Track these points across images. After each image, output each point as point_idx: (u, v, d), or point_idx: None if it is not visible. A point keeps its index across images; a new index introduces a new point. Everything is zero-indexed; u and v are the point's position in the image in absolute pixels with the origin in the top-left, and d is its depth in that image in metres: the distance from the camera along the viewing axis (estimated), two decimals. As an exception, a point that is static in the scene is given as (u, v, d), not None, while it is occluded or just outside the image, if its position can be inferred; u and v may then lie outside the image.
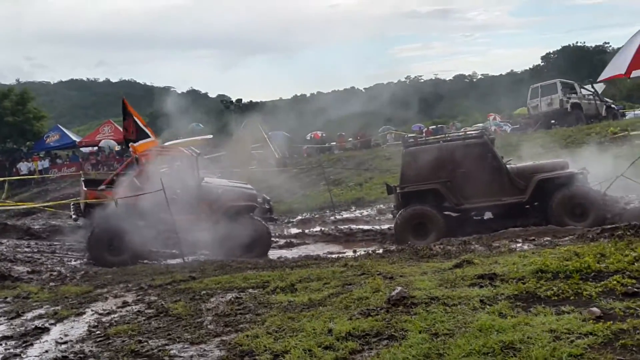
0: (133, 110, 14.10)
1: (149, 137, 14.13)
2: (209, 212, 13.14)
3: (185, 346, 6.31)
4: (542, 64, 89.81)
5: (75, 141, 41.24)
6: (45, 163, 38.14)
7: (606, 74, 5.69)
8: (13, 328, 7.78)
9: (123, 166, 14.12)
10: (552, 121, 31.51)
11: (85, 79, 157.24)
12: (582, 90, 34.03)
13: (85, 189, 13.61)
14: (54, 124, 45.20)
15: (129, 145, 14.06)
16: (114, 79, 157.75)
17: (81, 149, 41.23)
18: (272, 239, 14.24)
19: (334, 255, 11.72)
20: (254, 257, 12.27)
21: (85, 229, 14.03)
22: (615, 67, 5.33)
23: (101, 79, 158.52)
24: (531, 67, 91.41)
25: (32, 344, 7.00)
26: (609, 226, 10.69)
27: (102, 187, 13.75)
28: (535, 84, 36.27)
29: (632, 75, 5.20)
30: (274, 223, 14.04)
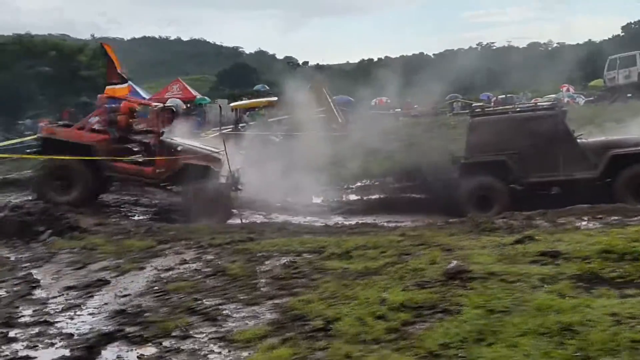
0: (114, 56, 14.40)
1: (125, 82, 14.74)
2: (166, 168, 13.11)
3: (239, 307, 6.40)
4: (622, 34, 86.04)
5: (144, 98, 42.01)
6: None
7: None
8: (77, 279, 8.09)
9: (93, 113, 14.20)
10: (629, 94, 30.38)
11: (157, 36, 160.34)
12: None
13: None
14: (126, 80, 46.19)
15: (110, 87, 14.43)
16: (184, 38, 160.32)
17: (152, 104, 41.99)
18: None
19: (392, 224, 11.63)
20: (214, 222, 12.09)
21: None
22: None
23: (172, 37, 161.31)
24: (610, 37, 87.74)
25: (93, 296, 7.25)
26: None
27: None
28: (613, 55, 35.00)
29: None
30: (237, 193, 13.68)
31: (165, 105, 16.99)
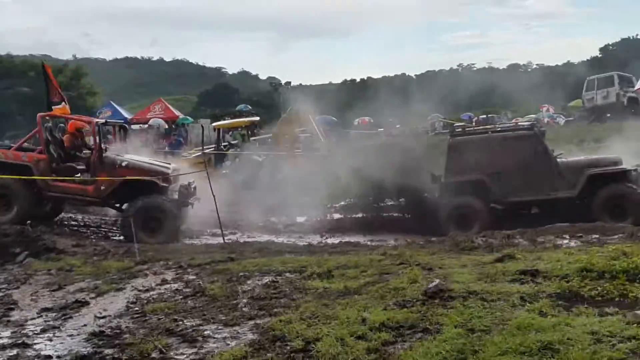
0: (52, 75, 14.49)
1: (63, 102, 14.52)
2: (107, 185, 12.86)
3: (219, 327, 6.35)
4: (600, 55, 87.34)
5: (127, 118, 41.91)
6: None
7: None
8: (54, 300, 7.97)
9: (31, 133, 14.13)
10: (607, 115, 30.81)
11: (139, 57, 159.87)
12: (640, 83, 33.21)
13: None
14: (107, 100, 46.05)
15: (52, 107, 14.29)
16: (167, 58, 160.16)
17: (132, 126, 41.92)
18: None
19: (373, 243, 11.65)
20: (162, 242, 12.01)
21: None
22: None
23: (155, 58, 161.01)
24: (588, 58, 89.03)
25: (71, 317, 7.15)
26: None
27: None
28: (591, 76, 35.51)
29: None
30: (189, 206, 13.50)
31: (108, 121, 16.85)
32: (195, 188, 13.99)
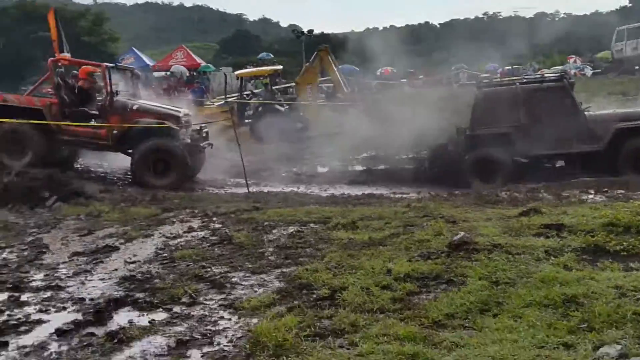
0: (56, 23, 14.38)
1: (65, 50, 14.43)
2: (119, 128, 12.93)
3: (247, 275, 6.47)
4: (630, 5, 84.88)
5: (149, 65, 41.84)
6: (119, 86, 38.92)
7: None
8: (84, 245, 8.15)
9: (43, 78, 14.09)
10: (637, 67, 30.21)
11: (160, 2, 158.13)
12: (672, 35, 32.45)
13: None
14: (129, 46, 45.85)
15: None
16: (187, 4, 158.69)
17: (154, 73, 41.86)
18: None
19: (397, 195, 11.67)
20: (169, 185, 12.13)
21: None
22: None
23: (175, 3, 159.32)
24: (618, 7, 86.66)
25: (102, 261, 7.32)
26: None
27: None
28: (621, 26, 34.70)
29: None
30: (201, 151, 13.55)
31: (118, 65, 16.79)
32: (207, 133, 14.03)
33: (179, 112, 13.63)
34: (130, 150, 13.10)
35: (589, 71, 37.29)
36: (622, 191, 10.00)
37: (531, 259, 6.10)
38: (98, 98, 13.99)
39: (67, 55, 14.49)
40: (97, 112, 13.41)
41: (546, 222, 7.37)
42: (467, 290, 5.40)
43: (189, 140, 13.15)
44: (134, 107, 13.23)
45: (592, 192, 10.18)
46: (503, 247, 6.49)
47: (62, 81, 13.74)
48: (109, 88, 13.21)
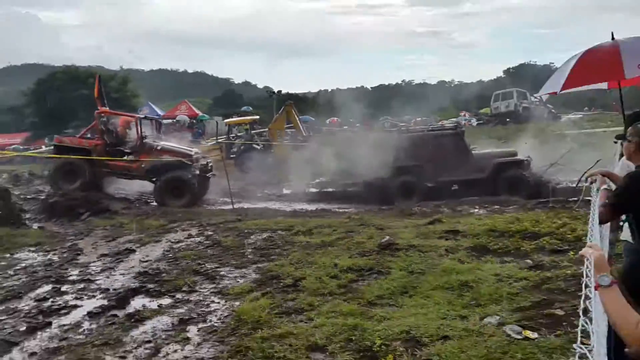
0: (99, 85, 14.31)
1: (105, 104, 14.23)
2: (147, 163, 12.78)
3: (232, 269, 6.40)
4: (504, 76, 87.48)
5: (160, 115, 41.21)
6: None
7: (544, 90, 5.52)
8: (109, 248, 7.95)
9: (91, 125, 13.88)
10: (507, 119, 31.06)
11: (169, 68, 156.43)
12: (531, 97, 33.47)
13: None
14: (146, 101, 45.16)
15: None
16: (190, 70, 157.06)
17: (164, 121, 41.21)
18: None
19: (341, 210, 11.69)
20: (184, 205, 11.94)
21: None
22: (551, 86, 5.18)
23: (181, 70, 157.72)
24: (495, 77, 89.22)
25: (122, 261, 7.15)
26: (543, 200, 10.59)
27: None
28: (497, 90, 35.72)
29: (560, 93, 5.09)
30: (209, 178, 13.52)
31: (147, 116, 16.64)
32: (212, 166, 13.91)
33: (192, 151, 13.57)
34: (154, 179, 12.93)
35: (474, 122, 38.08)
36: (498, 206, 10.20)
37: (436, 255, 6.19)
38: (130, 140, 13.79)
39: (107, 108, 14.28)
40: (129, 151, 13.22)
41: (446, 229, 7.48)
42: (392, 278, 5.44)
43: (198, 172, 13.00)
44: (158, 147, 13.12)
45: (478, 207, 10.35)
46: (416, 246, 6.57)
47: (105, 127, 13.55)
48: (139, 133, 13.09)
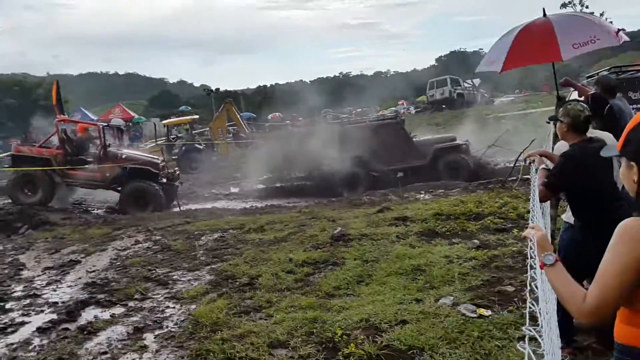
0: (56, 94, 13.89)
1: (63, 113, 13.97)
2: (111, 172, 12.37)
3: (184, 273, 6.26)
4: (436, 64, 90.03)
5: (93, 119, 39.59)
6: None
7: (483, 66, 5.59)
8: (53, 261, 7.55)
9: (51, 134, 13.28)
10: (443, 106, 32.00)
11: (99, 71, 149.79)
12: (464, 83, 34.62)
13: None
14: (77, 106, 43.20)
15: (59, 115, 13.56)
16: (120, 72, 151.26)
17: (98, 125, 39.63)
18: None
19: (290, 204, 11.66)
20: (150, 212, 11.57)
21: None
22: (491, 63, 5.27)
23: (111, 72, 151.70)
24: (428, 66, 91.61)
25: (68, 273, 6.83)
26: (483, 181, 11.00)
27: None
28: (432, 78, 36.68)
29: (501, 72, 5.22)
30: (177, 187, 13.09)
31: (110, 124, 16.08)
32: (179, 174, 13.52)
33: (158, 159, 13.12)
34: (119, 189, 12.47)
35: (413, 110, 38.97)
36: (443, 191, 10.50)
37: (387, 242, 6.30)
38: (92, 149, 13.29)
39: (65, 116, 13.62)
40: (92, 160, 12.68)
41: (395, 216, 7.62)
42: (347, 268, 5.50)
43: (165, 180, 12.59)
44: (123, 156, 12.61)
45: (423, 192, 10.58)
46: (368, 235, 6.67)
47: (65, 136, 12.98)
48: (102, 142, 12.58)
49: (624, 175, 1.62)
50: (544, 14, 5.06)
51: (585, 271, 2.40)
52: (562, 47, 4.58)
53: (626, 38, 4.82)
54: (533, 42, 4.87)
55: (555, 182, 3.22)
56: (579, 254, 3.04)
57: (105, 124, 14.37)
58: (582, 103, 3.38)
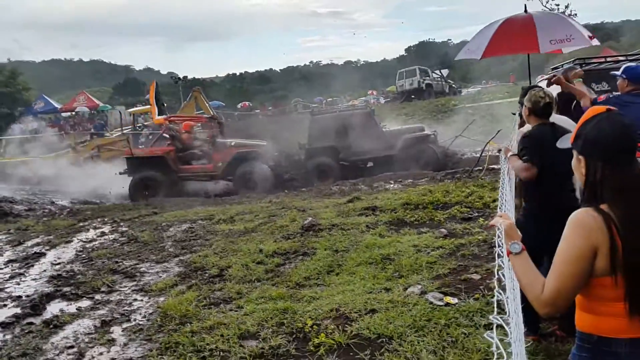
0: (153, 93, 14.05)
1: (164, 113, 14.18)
2: (222, 161, 12.51)
3: (152, 265, 6.17)
4: (405, 54, 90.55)
5: (57, 107, 38.39)
6: (34, 124, 35.33)
7: (464, 54, 5.77)
8: (17, 253, 7.34)
9: (159, 135, 13.49)
10: (412, 96, 32.25)
11: (63, 58, 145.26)
12: (433, 74, 34.92)
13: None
14: (39, 94, 41.76)
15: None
16: (85, 59, 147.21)
17: (62, 114, 38.45)
18: None
19: (260, 195, 11.57)
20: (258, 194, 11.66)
21: None
22: (472, 51, 5.46)
23: (75, 59, 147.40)
24: (398, 56, 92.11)
25: (32, 265, 6.64)
26: (451, 171, 11.17)
27: None
28: (401, 69, 36.87)
29: (481, 58, 5.45)
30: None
31: (212, 116, 15.85)
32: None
33: (263, 142, 13.34)
34: (230, 178, 12.65)
35: (382, 100, 39.18)
36: (411, 180, 10.60)
37: (357, 232, 6.35)
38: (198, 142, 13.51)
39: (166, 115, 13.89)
40: (202, 153, 12.92)
41: (365, 206, 7.68)
42: (317, 258, 5.52)
43: (272, 163, 12.80)
44: (232, 144, 12.79)
45: (393, 182, 10.68)
46: (338, 225, 6.70)
47: (173, 133, 13.09)
48: (211, 133, 12.99)
49: (575, 166, 1.69)
50: (525, 10, 5.26)
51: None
52: (541, 40, 4.79)
53: (597, 43, 5.05)
54: (513, 34, 5.09)
55: (530, 155, 3.29)
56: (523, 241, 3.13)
57: (209, 116, 14.80)
58: (545, 90, 3.49)
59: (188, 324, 4.23)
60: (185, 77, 45.02)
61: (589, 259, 1.52)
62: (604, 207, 1.56)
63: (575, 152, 1.69)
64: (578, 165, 1.68)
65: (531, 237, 3.07)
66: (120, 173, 12.65)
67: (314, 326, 3.92)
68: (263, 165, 12.40)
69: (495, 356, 1.25)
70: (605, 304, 1.55)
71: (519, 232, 1.82)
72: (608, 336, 1.56)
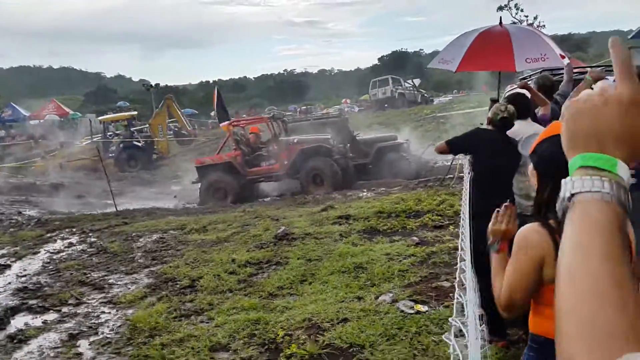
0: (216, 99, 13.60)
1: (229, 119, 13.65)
2: (287, 159, 12.20)
3: (121, 276, 6.05)
4: (379, 63, 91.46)
5: (25, 115, 37.48)
6: (2, 133, 34.45)
7: (437, 63, 5.72)
8: (-21, 266, 7.09)
9: (225, 140, 13.08)
10: (386, 105, 32.53)
11: (32, 65, 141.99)
12: (405, 83, 35.35)
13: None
14: (7, 102, 40.77)
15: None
16: (55, 66, 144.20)
17: (30, 122, 37.54)
18: None
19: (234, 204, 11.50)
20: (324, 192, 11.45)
21: None
22: (446, 62, 5.42)
23: (45, 66, 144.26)
24: (371, 65, 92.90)
25: (-4, 279, 6.43)
26: (423, 179, 11.28)
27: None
28: (374, 78, 37.21)
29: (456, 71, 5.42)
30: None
31: (274, 115, 15.73)
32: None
33: (328, 136, 12.88)
34: (297, 176, 12.20)
35: (356, 109, 39.40)
36: (384, 189, 10.67)
37: (331, 240, 6.35)
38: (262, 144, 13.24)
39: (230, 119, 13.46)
40: (267, 155, 12.68)
41: (339, 214, 7.67)
42: (290, 267, 5.50)
43: (338, 156, 12.36)
44: (295, 141, 12.40)
45: (366, 190, 10.75)
46: (312, 234, 6.69)
47: (239, 137, 12.90)
48: (273, 133, 12.83)
49: (530, 174, 1.75)
50: (500, 23, 5.29)
51: None
52: (517, 59, 4.85)
53: (567, 61, 5.14)
54: (490, 51, 5.09)
55: (455, 141, 3.79)
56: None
57: (270, 116, 14.69)
58: (507, 105, 3.69)
59: (158, 336, 4.16)
60: (157, 84, 44.39)
61: (535, 270, 1.61)
62: (552, 221, 1.60)
63: (531, 164, 1.75)
64: (532, 176, 1.74)
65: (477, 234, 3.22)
66: (193, 182, 12.72)
67: (286, 337, 3.90)
68: (330, 160, 12.12)
69: (452, 357, 1.27)
70: (553, 308, 1.59)
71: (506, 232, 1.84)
72: (553, 338, 1.60)
